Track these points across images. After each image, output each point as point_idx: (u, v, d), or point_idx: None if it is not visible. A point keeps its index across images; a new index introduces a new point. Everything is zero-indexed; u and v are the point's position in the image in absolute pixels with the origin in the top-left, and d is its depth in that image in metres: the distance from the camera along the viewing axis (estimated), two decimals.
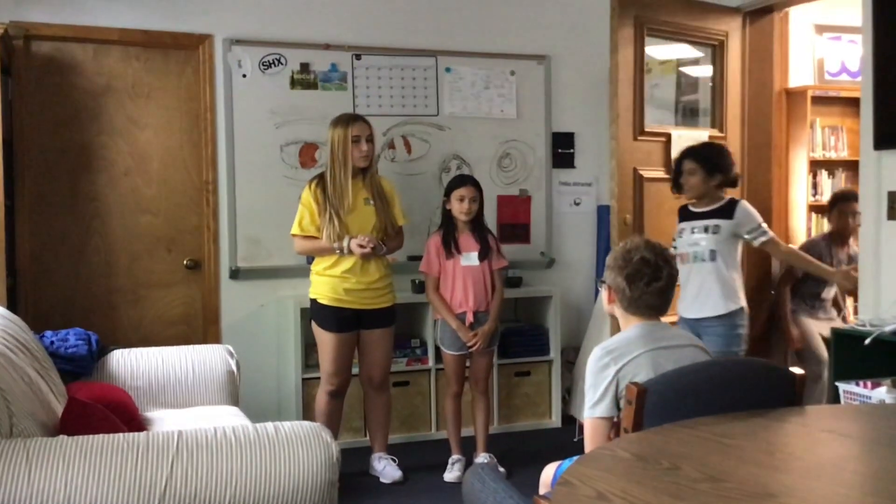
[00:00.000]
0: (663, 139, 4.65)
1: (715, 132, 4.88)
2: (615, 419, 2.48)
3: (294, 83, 4.97)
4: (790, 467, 1.96)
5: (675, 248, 4.23)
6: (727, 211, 4.18)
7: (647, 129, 4.66)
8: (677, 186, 4.29)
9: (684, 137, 4.68)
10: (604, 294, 2.74)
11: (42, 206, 4.61)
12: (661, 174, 4.65)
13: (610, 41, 4.51)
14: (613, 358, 2.52)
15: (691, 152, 4.25)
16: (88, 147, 4.69)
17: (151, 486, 2.32)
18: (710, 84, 5.04)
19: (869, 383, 3.58)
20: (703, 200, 4.24)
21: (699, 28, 4.81)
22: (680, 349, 2.58)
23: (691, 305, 4.16)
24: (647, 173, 4.66)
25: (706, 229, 4.15)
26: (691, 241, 4.19)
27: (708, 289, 4.11)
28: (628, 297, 2.63)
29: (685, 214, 4.32)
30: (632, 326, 2.65)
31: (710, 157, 4.20)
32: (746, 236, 4.20)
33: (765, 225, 4.24)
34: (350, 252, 4.19)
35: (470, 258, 4.45)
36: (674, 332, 2.74)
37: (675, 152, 4.51)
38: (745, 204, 4.26)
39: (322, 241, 4.23)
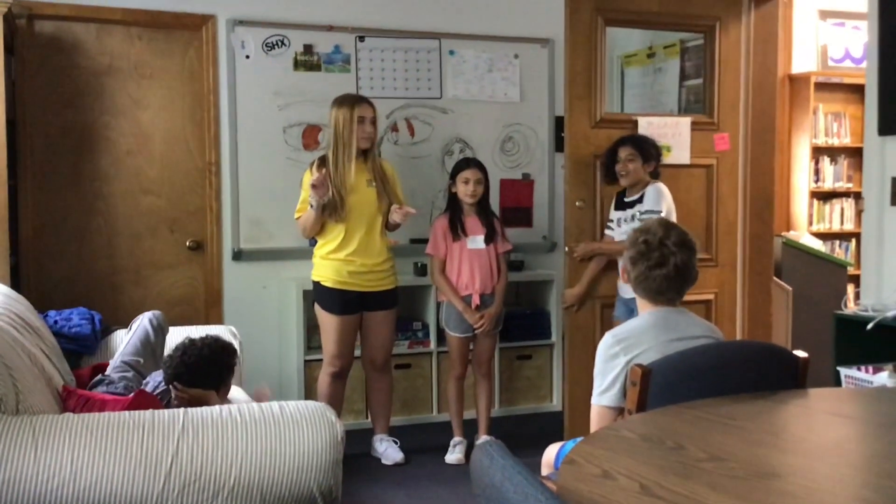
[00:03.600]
0: (629, 126, 4.63)
1: (703, 118, 4.85)
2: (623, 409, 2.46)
3: (297, 65, 4.96)
4: (793, 448, 1.97)
5: (612, 237, 4.41)
6: (643, 196, 4.30)
7: (605, 117, 4.63)
8: (610, 175, 4.39)
9: (654, 124, 4.67)
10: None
11: (45, 186, 4.61)
12: None
13: (564, 29, 4.53)
14: (623, 348, 2.48)
15: (628, 140, 4.36)
16: (91, 127, 4.69)
17: (157, 464, 2.33)
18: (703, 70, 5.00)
19: (871, 368, 3.59)
20: (636, 187, 4.34)
21: (678, 14, 4.76)
22: (694, 340, 2.49)
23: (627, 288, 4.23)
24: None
25: (633, 218, 4.26)
26: (623, 231, 4.29)
27: None
28: (633, 278, 2.61)
29: (619, 203, 4.43)
30: (645, 313, 2.61)
31: (644, 146, 4.34)
32: (641, 217, 4.22)
33: (664, 213, 4.20)
34: (321, 203, 4.15)
35: (476, 241, 4.46)
36: (689, 319, 2.64)
37: None
38: (657, 187, 4.31)
39: (308, 211, 4.21)
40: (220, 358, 3.03)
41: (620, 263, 2.71)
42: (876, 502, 1.58)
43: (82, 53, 4.66)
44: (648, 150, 4.34)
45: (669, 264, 2.54)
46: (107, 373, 3.31)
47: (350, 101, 4.28)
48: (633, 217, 4.29)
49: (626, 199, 4.39)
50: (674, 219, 4.25)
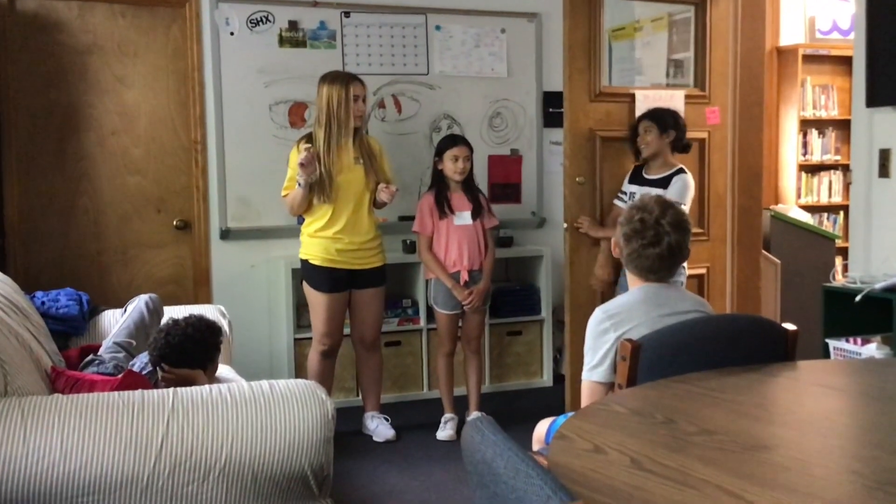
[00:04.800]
0: (627, 100, 4.61)
1: (696, 91, 4.84)
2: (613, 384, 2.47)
3: (282, 41, 4.92)
4: (783, 420, 1.98)
5: (625, 202, 4.36)
6: (670, 180, 4.26)
7: (604, 91, 4.62)
8: (637, 152, 4.41)
9: (651, 98, 4.65)
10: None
11: (29, 167, 4.57)
12: (619, 134, 4.59)
13: (563, 1, 4.50)
14: (614, 324, 2.48)
15: (646, 114, 4.38)
16: (75, 106, 4.64)
17: (147, 444, 2.32)
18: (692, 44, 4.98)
19: (859, 340, 3.61)
20: (657, 163, 4.33)
21: None
22: (684, 315, 2.49)
23: None
24: (604, 134, 4.60)
25: None
26: None
27: None
28: (625, 255, 2.59)
29: (638, 178, 4.40)
30: (635, 288, 2.61)
31: (662, 116, 4.34)
32: None
33: (686, 207, 4.19)
34: (309, 181, 4.13)
35: (463, 217, 4.45)
36: (679, 294, 2.65)
37: (637, 112, 4.56)
38: (684, 177, 4.28)
39: (296, 190, 4.18)
40: (206, 337, 3.03)
41: (612, 238, 2.69)
42: (864, 473, 1.59)
43: (65, 32, 4.61)
44: (665, 120, 4.32)
45: (663, 244, 2.53)
46: (99, 353, 3.30)
47: (344, 79, 4.24)
48: None
49: (646, 176, 4.35)
50: (687, 210, 4.24)
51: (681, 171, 4.29)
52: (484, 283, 4.48)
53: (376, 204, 4.36)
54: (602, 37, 4.60)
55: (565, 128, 4.53)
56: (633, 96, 4.64)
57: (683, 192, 4.23)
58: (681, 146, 4.39)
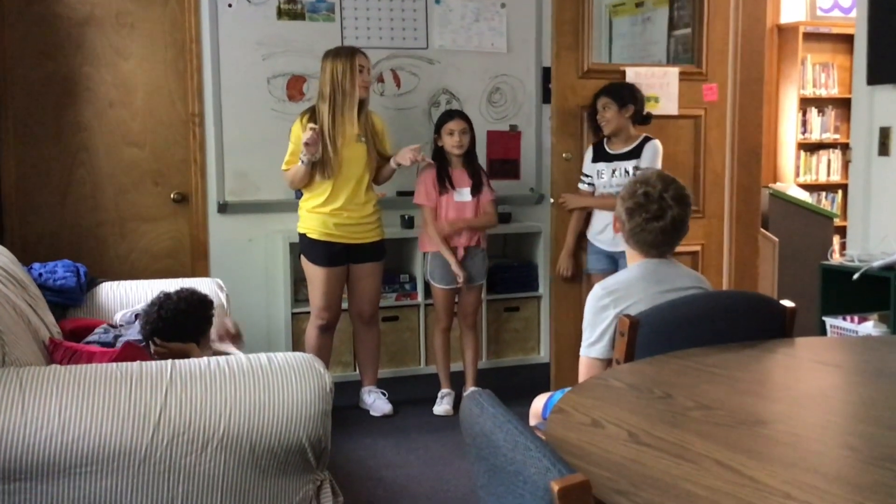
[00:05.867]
0: (617, 77, 4.59)
1: (692, 68, 4.81)
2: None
3: (281, 13, 4.88)
4: (780, 396, 1.98)
5: (589, 184, 4.39)
6: (639, 150, 4.27)
7: (593, 68, 4.60)
8: (596, 131, 4.41)
9: (642, 74, 4.63)
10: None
11: (27, 138, 4.55)
12: None
13: None
14: (613, 300, 2.47)
15: (602, 90, 4.36)
16: (73, 78, 4.61)
17: (145, 416, 2.33)
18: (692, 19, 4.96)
19: (856, 318, 3.62)
20: (619, 138, 4.32)
21: None
22: (683, 292, 2.48)
23: (610, 239, 4.26)
24: None
25: (627, 172, 4.24)
26: (612, 184, 4.28)
27: None
28: (627, 230, 2.57)
29: (601, 154, 4.38)
30: (635, 265, 2.59)
31: (619, 91, 4.32)
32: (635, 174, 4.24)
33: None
34: (312, 160, 4.12)
35: (463, 193, 4.44)
36: (679, 270, 2.62)
37: None
38: (654, 143, 4.30)
39: (298, 166, 4.17)
40: (198, 310, 3.03)
41: (613, 213, 2.68)
42: (860, 448, 1.59)
43: (62, 2, 4.57)
44: (623, 95, 4.30)
45: (667, 217, 2.51)
46: (117, 321, 3.32)
47: (348, 52, 4.22)
48: (625, 171, 4.24)
49: (612, 151, 4.34)
50: None
51: (647, 138, 4.31)
52: (464, 222, 4.43)
53: (382, 176, 4.36)
54: (591, 14, 4.58)
55: (552, 105, 4.56)
56: (623, 73, 4.62)
57: (655, 157, 4.25)
58: (640, 118, 4.39)
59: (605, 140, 4.36)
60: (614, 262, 4.24)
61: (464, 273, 4.44)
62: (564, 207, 4.50)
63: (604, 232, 4.31)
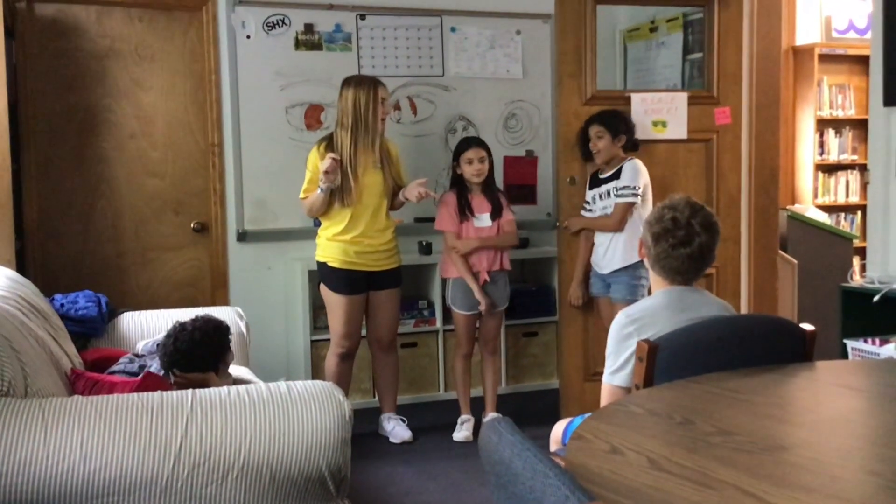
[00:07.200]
0: (622, 103, 4.60)
1: (702, 92, 4.82)
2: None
3: (298, 44, 4.93)
4: (801, 421, 1.97)
5: (590, 210, 4.51)
6: (620, 171, 4.35)
7: (597, 94, 4.63)
8: (586, 155, 4.49)
9: (648, 100, 4.65)
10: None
11: (49, 170, 4.61)
12: None
13: (555, 6, 4.60)
14: (637, 328, 2.43)
15: (595, 118, 4.42)
16: (93, 110, 4.68)
17: (166, 446, 2.33)
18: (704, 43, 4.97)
19: (877, 340, 3.59)
20: (611, 164, 4.41)
21: None
22: None
23: (601, 261, 4.43)
24: None
25: (609, 194, 4.36)
26: (602, 206, 4.42)
27: (613, 247, 4.35)
28: (653, 255, 2.53)
29: (593, 181, 4.50)
30: (659, 292, 2.56)
31: (613, 121, 4.38)
32: (617, 192, 4.33)
33: (640, 190, 4.29)
34: (331, 188, 4.15)
35: (482, 219, 4.46)
36: (704, 298, 2.58)
37: (634, 115, 4.59)
38: (634, 163, 4.35)
39: (316, 193, 4.20)
40: (213, 339, 2.99)
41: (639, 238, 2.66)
42: (884, 473, 1.58)
43: (83, 36, 4.64)
44: (616, 125, 4.36)
45: (694, 244, 2.47)
46: (139, 351, 3.33)
47: (371, 82, 4.26)
48: (608, 193, 4.36)
49: (600, 176, 4.46)
50: (649, 196, 4.29)
51: (628, 159, 4.38)
52: (480, 241, 4.42)
53: (394, 206, 4.38)
54: (594, 42, 4.64)
55: (556, 131, 4.62)
56: (628, 99, 4.63)
57: (635, 175, 4.30)
58: (631, 145, 4.45)
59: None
60: (607, 286, 4.41)
61: (487, 300, 4.44)
62: (568, 230, 4.58)
63: (597, 254, 4.46)
